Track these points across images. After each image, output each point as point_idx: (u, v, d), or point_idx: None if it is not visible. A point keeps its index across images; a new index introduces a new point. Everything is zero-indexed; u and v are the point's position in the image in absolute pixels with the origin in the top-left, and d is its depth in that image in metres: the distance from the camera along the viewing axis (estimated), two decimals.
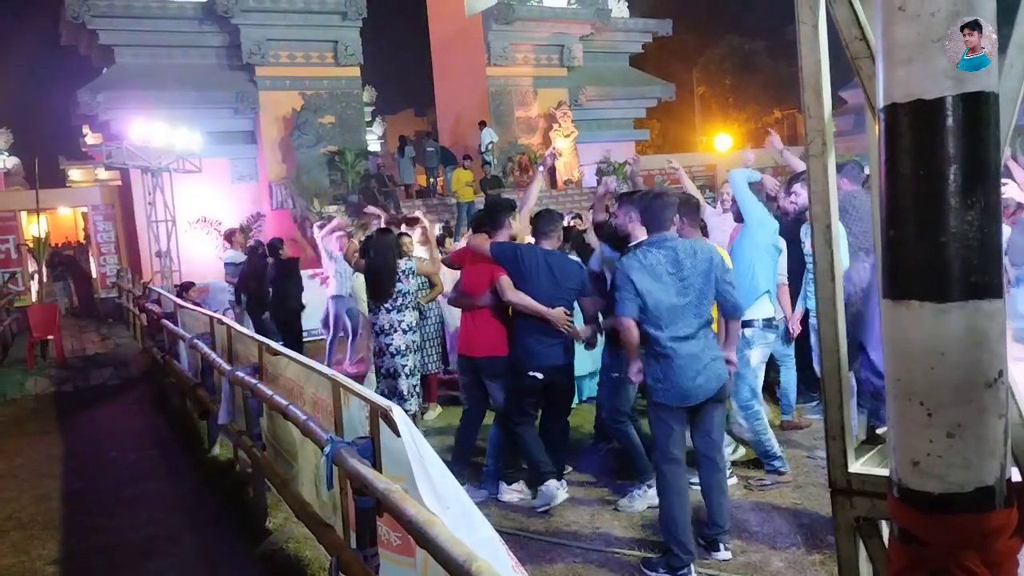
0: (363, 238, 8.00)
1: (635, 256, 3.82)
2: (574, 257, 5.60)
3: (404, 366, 6.09)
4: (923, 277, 1.48)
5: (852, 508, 2.07)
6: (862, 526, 2.07)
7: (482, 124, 19.19)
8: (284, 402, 3.65)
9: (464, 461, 5.03)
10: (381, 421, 2.77)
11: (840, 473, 2.10)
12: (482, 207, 8.50)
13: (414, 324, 6.26)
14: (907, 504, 1.54)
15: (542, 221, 4.85)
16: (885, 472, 1.95)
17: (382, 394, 6.17)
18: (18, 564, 4.63)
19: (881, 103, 1.53)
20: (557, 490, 4.60)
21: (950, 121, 1.44)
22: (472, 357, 4.93)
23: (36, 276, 16.86)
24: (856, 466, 2.10)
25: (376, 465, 2.79)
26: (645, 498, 4.50)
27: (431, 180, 19.77)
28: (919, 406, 1.51)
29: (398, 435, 2.50)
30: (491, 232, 4.90)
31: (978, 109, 1.43)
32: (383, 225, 7.71)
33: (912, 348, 1.50)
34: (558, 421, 4.94)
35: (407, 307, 6.18)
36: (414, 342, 6.22)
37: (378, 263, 6.14)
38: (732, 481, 4.89)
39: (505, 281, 4.64)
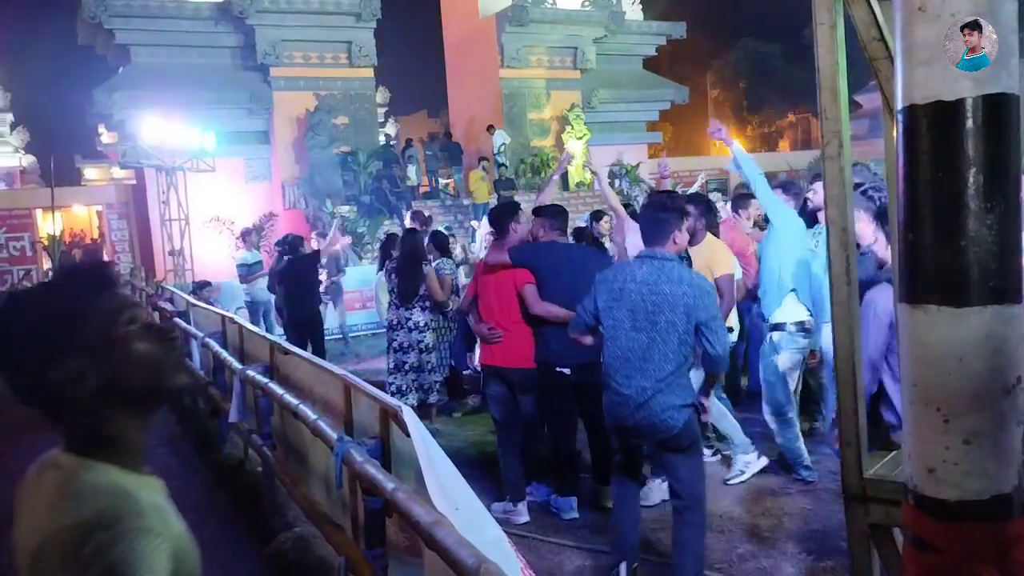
0: (383, 238, 8.08)
1: (608, 272, 3.57)
2: None
3: (429, 362, 6.17)
4: (941, 281, 1.46)
5: (866, 515, 2.04)
6: (876, 533, 2.04)
7: (490, 128, 19.19)
8: (295, 401, 3.65)
9: (516, 478, 4.68)
10: (391, 421, 2.77)
11: (854, 479, 2.07)
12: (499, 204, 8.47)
13: (422, 324, 6.30)
14: (922, 512, 1.51)
15: (556, 219, 4.81)
16: (899, 479, 1.92)
17: (401, 390, 6.26)
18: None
19: (900, 105, 1.51)
20: (571, 509, 4.58)
21: (970, 123, 1.42)
22: (503, 368, 4.73)
23: (50, 274, 16.98)
24: (870, 473, 2.07)
25: (386, 465, 2.78)
26: (660, 491, 4.46)
27: (435, 181, 19.82)
28: (936, 412, 1.48)
29: (408, 435, 2.49)
30: (500, 239, 4.85)
31: (999, 111, 1.41)
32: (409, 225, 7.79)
33: (929, 353, 1.48)
34: (599, 425, 4.80)
35: (415, 307, 6.24)
36: (437, 339, 6.28)
37: (404, 263, 6.18)
38: (741, 479, 4.88)
39: (530, 291, 4.54)
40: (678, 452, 3.46)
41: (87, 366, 1.22)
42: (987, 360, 1.44)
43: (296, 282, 8.10)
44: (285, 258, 8.44)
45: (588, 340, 3.72)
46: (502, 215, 4.95)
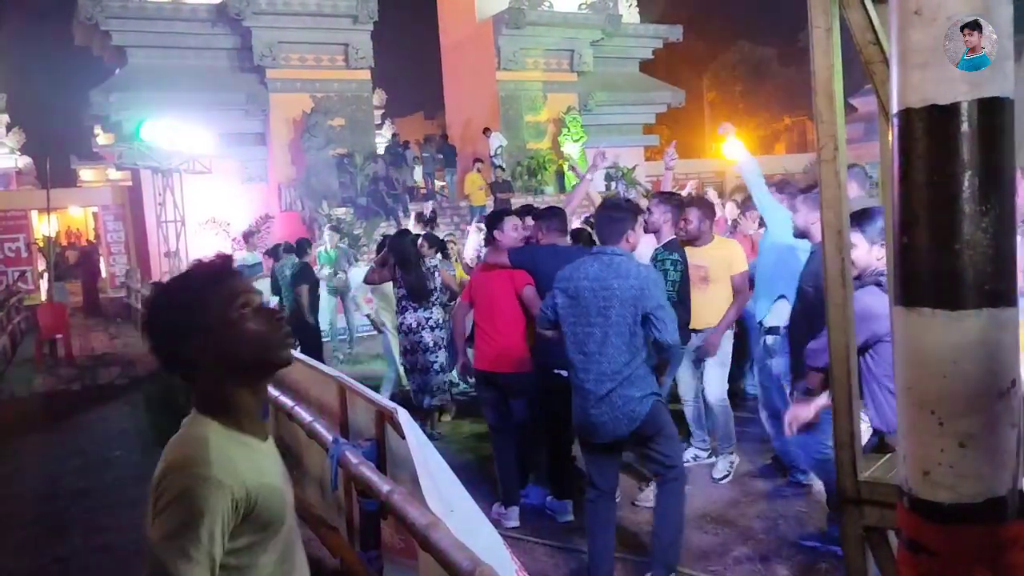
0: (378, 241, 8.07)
1: (566, 270, 3.63)
2: None
3: (435, 362, 6.18)
4: (936, 285, 1.46)
5: (861, 517, 2.05)
6: (871, 535, 2.04)
7: (487, 131, 19.15)
8: (290, 403, 3.64)
9: (511, 484, 4.71)
10: (387, 424, 2.76)
11: (849, 482, 2.08)
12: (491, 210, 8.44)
13: (441, 321, 6.32)
14: (917, 514, 1.52)
15: (557, 219, 4.81)
16: (894, 481, 1.93)
17: (413, 390, 6.28)
18: (23, 562, 4.63)
19: (895, 108, 1.52)
20: (566, 512, 4.58)
21: (965, 126, 1.42)
22: (494, 372, 4.72)
23: (46, 275, 16.95)
24: (865, 475, 2.07)
25: (381, 467, 2.78)
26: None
27: (431, 183, 19.79)
28: (930, 415, 1.49)
29: (403, 438, 2.49)
30: (495, 242, 4.85)
31: (994, 115, 1.41)
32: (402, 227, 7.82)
33: (924, 356, 1.48)
34: None
35: (434, 304, 6.26)
36: (443, 339, 6.28)
37: (408, 266, 6.18)
38: (729, 479, 4.90)
39: (530, 293, 4.53)
40: (648, 440, 3.57)
41: (207, 343, 1.50)
42: (982, 363, 1.45)
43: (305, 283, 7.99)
44: (295, 259, 8.46)
45: (550, 334, 3.83)
46: (496, 219, 4.97)
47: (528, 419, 4.72)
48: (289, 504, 1.57)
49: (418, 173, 18.64)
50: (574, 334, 3.53)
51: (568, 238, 5.12)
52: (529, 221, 5.04)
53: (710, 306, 4.91)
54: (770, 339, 4.72)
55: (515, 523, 4.54)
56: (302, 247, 8.54)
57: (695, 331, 4.92)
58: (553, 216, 4.84)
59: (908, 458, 1.53)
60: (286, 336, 1.57)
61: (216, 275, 1.55)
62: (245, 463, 1.47)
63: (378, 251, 7.90)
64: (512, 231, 4.81)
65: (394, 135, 19.97)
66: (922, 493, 1.50)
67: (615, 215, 3.60)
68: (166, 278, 12.41)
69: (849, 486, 2.06)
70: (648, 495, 4.52)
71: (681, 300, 4.63)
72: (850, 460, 2.06)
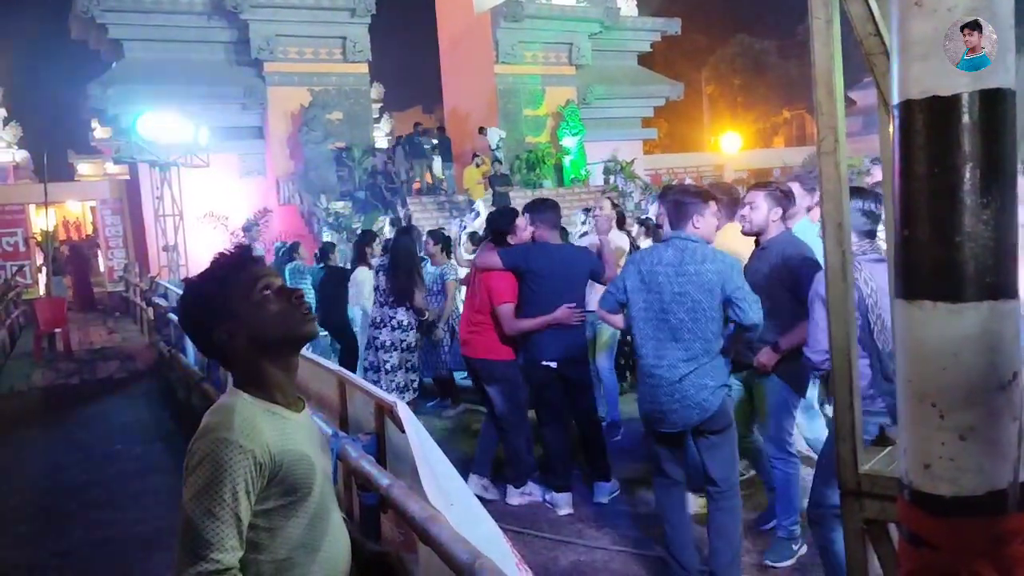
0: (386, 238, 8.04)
1: (638, 254, 3.64)
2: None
3: (387, 362, 6.05)
4: (937, 277, 1.46)
5: (861, 510, 2.05)
6: (871, 528, 2.04)
7: (482, 130, 18.96)
8: None
9: (485, 462, 4.95)
10: (386, 417, 2.76)
11: (849, 475, 2.08)
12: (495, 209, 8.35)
13: (406, 324, 6.20)
14: (918, 507, 1.52)
15: (549, 213, 4.81)
16: (895, 474, 1.92)
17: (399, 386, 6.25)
18: (24, 556, 4.64)
19: (896, 100, 1.51)
20: (565, 504, 4.59)
21: (966, 118, 1.41)
22: (469, 358, 4.92)
23: (44, 269, 16.93)
24: (866, 468, 2.07)
25: (381, 461, 2.78)
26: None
27: (431, 176, 19.65)
28: (931, 408, 1.48)
29: (403, 431, 2.49)
30: (497, 243, 4.88)
31: (996, 106, 1.41)
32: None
33: (925, 349, 1.48)
34: (589, 421, 4.81)
35: (409, 308, 6.22)
36: (402, 341, 6.15)
37: (400, 264, 6.13)
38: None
39: (505, 311, 4.62)
40: (713, 435, 3.47)
41: (236, 327, 1.63)
42: (983, 356, 1.44)
43: (336, 288, 7.91)
44: (320, 265, 8.48)
45: (618, 320, 3.75)
46: (501, 220, 4.99)
47: (503, 407, 4.77)
48: (320, 472, 1.66)
49: (437, 164, 18.48)
50: (646, 320, 3.48)
51: (558, 232, 5.11)
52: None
53: None
54: None
55: (492, 496, 4.75)
56: (325, 251, 8.55)
57: None
58: (546, 209, 4.85)
59: (909, 451, 1.53)
60: (307, 312, 1.68)
61: (237, 264, 1.68)
62: (271, 430, 1.58)
63: (356, 246, 7.90)
64: (523, 232, 4.83)
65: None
66: (923, 486, 1.50)
67: (684, 200, 3.52)
68: (165, 272, 12.53)
69: (849, 479, 2.06)
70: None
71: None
72: (850, 453, 2.05)
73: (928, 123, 1.45)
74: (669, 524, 3.64)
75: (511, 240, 4.83)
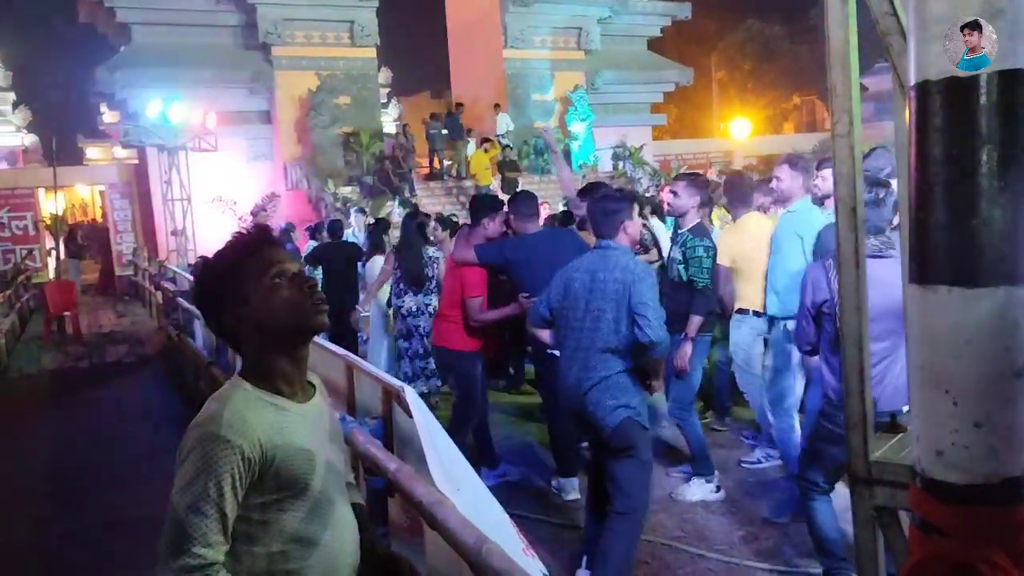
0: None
1: (568, 266, 3.51)
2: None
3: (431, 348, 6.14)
4: (952, 262, 1.43)
5: (872, 497, 2.03)
6: (881, 515, 2.03)
7: (497, 107, 19.02)
8: None
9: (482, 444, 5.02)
10: (394, 402, 2.75)
11: (860, 462, 2.06)
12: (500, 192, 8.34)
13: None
14: (930, 495, 1.50)
15: (524, 204, 4.83)
16: (906, 461, 1.91)
17: (406, 374, 6.27)
18: (32, 538, 4.67)
19: (912, 81, 1.48)
20: (572, 489, 4.59)
21: (984, 99, 1.38)
22: (435, 346, 5.07)
23: (53, 253, 16.99)
24: (876, 455, 2.06)
25: (388, 446, 2.78)
26: (703, 491, 4.44)
27: (439, 161, 19.58)
28: (944, 394, 1.46)
29: (410, 416, 2.48)
30: (471, 231, 4.92)
31: (1014, 87, 1.38)
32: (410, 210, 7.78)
33: (939, 335, 1.46)
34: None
35: (432, 291, 6.23)
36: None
37: (407, 250, 6.13)
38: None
39: (473, 304, 4.65)
40: (613, 454, 3.31)
41: (246, 312, 1.59)
42: (998, 342, 1.42)
43: (347, 264, 7.79)
44: (326, 240, 8.40)
45: (545, 335, 3.70)
46: (478, 209, 4.96)
47: (463, 395, 4.83)
48: (323, 465, 1.61)
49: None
50: (562, 328, 3.41)
51: (539, 221, 5.10)
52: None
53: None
54: (791, 324, 4.52)
55: (491, 482, 4.68)
56: (334, 229, 8.49)
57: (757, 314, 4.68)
58: (521, 201, 4.86)
59: (921, 438, 1.51)
60: (319, 302, 1.63)
61: (251, 246, 1.63)
62: (267, 423, 1.53)
63: (370, 235, 7.85)
64: (497, 225, 4.85)
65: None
66: (935, 473, 1.48)
67: (610, 207, 3.41)
68: (173, 256, 12.55)
69: (860, 466, 2.04)
70: (691, 489, 4.45)
71: (714, 288, 4.56)
72: (861, 440, 2.04)
73: (945, 104, 1.42)
74: (586, 516, 3.65)
75: (486, 226, 4.82)
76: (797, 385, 4.47)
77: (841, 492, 3.10)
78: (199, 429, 1.50)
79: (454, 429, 4.75)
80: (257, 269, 1.60)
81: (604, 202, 3.47)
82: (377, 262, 7.36)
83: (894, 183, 2.96)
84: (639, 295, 3.17)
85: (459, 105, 19.52)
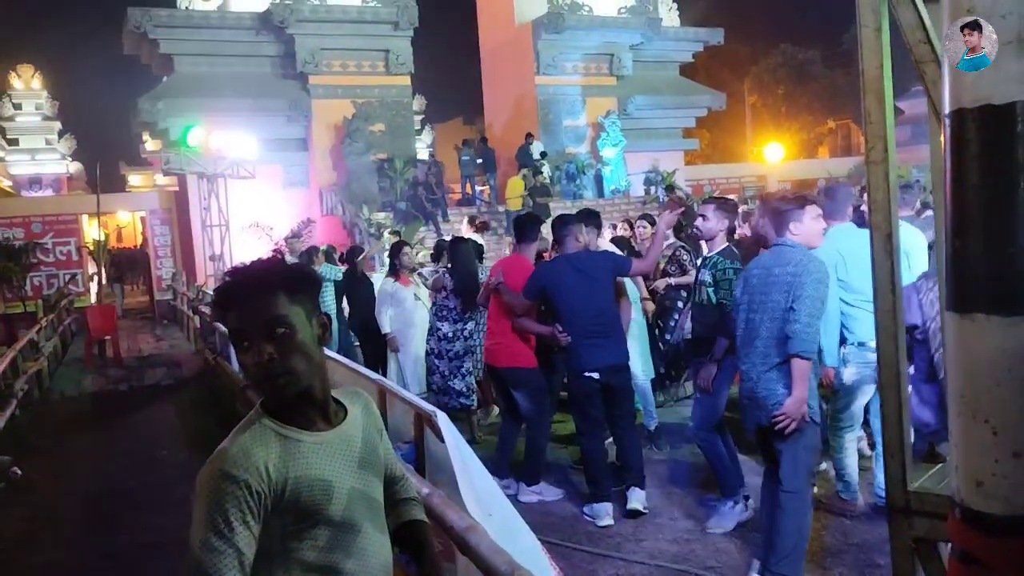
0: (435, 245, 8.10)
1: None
2: None
3: (460, 367, 6.26)
4: (990, 290, 1.42)
5: (911, 528, 1.99)
6: (920, 547, 1.99)
7: (529, 136, 19.10)
8: None
9: (504, 463, 5.23)
10: (426, 427, 2.77)
11: (898, 492, 2.03)
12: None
13: (471, 331, 6.37)
14: (970, 526, 1.47)
15: (591, 219, 5.17)
16: (945, 492, 1.87)
17: (434, 390, 6.34)
18: (70, 558, 4.74)
19: (947, 108, 1.48)
20: (605, 514, 4.54)
21: (1020, 127, 1.38)
22: (494, 367, 5.25)
23: (95, 278, 17.37)
24: (915, 485, 2.02)
25: (420, 470, 2.79)
26: (734, 515, 4.35)
27: (470, 187, 19.78)
28: (984, 424, 1.44)
29: (442, 441, 2.49)
30: (520, 247, 5.27)
31: None
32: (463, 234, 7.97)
33: (977, 363, 1.44)
34: (627, 427, 4.77)
35: (471, 319, 6.33)
36: (472, 346, 6.34)
37: (464, 272, 6.25)
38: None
39: (517, 301, 4.93)
40: (781, 437, 3.50)
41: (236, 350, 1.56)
42: None
43: (364, 292, 7.81)
44: (343, 266, 8.53)
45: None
46: (525, 225, 5.39)
47: (531, 411, 5.05)
48: (343, 494, 1.56)
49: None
50: (739, 320, 3.71)
51: (575, 241, 5.16)
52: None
53: None
54: (845, 349, 4.46)
55: (511, 491, 4.84)
56: (353, 255, 8.56)
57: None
58: (563, 226, 4.97)
59: (960, 468, 1.49)
60: (277, 376, 1.53)
61: (226, 298, 1.57)
62: (275, 455, 1.51)
63: (435, 258, 7.93)
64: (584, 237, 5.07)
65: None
66: (975, 504, 1.45)
67: (779, 207, 3.66)
68: (211, 281, 12.73)
69: (898, 496, 2.01)
70: (721, 519, 4.35)
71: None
72: (900, 469, 2.00)
73: (981, 132, 1.42)
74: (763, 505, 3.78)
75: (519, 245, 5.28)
76: (857, 401, 4.41)
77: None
78: (209, 467, 1.50)
79: (533, 438, 5.09)
80: (230, 326, 1.57)
81: (776, 203, 3.73)
82: (389, 284, 7.28)
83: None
84: (800, 288, 3.40)
85: (484, 139, 19.88)
